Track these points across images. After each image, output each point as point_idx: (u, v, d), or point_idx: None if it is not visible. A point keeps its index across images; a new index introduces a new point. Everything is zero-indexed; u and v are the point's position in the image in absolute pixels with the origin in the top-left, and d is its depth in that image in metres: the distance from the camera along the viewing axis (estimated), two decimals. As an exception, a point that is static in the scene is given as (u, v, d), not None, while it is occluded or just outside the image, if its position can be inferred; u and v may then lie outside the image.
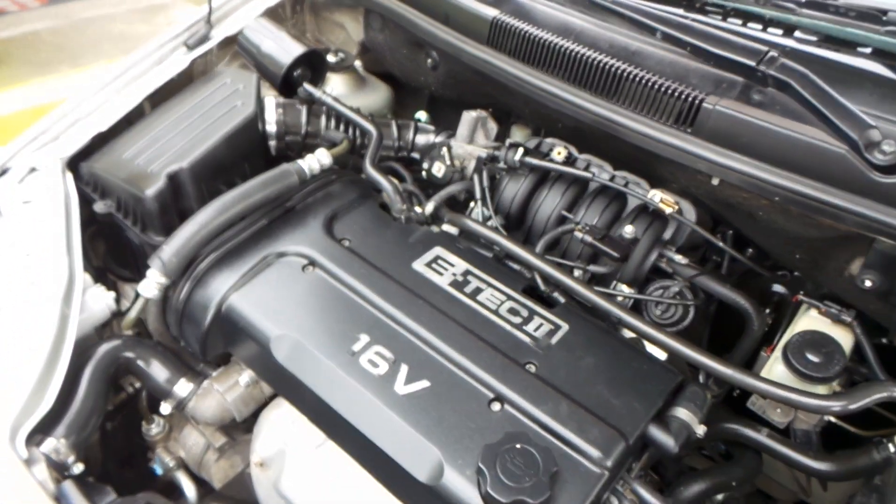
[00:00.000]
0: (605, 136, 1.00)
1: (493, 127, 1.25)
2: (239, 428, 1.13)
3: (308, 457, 0.97)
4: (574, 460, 0.78)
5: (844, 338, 0.96)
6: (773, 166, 0.85)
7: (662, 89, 0.94)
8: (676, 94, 0.93)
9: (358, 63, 1.50)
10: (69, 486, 0.83)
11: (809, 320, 0.98)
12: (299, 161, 1.08)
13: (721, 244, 1.05)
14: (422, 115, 1.40)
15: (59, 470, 0.86)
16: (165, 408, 1.01)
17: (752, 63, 0.88)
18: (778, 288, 1.06)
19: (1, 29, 4.21)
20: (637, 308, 1.03)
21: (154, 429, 1.11)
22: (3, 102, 3.48)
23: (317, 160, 1.09)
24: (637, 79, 0.97)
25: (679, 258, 1.03)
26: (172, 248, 0.95)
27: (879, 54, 0.95)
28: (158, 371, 1.01)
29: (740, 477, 1.06)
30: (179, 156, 1.09)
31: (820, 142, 0.84)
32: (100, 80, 1.25)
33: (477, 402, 0.83)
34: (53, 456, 0.86)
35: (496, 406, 0.83)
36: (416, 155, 1.27)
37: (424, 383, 0.85)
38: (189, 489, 1.10)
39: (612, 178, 1.09)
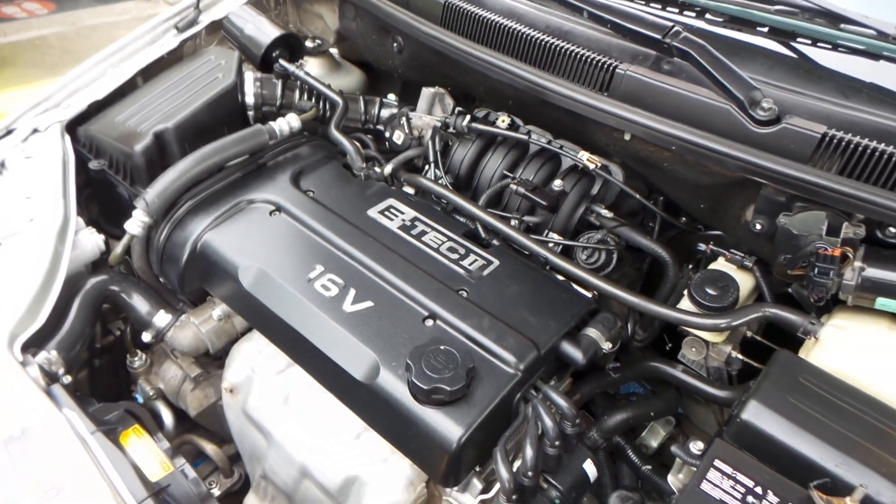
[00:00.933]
0: (544, 105, 1.14)
1: (449, 102, 1.39)
2: (213, 364, 1.26)
3: (272, 381, 1.09)
4: (491, 363, 0.90)
5: (747, 280, 1.09)
6: (672, 121, 0.99)
7: (586, 60, 1.08)
8: (596, 63, 1.07)
9: (335, 50, 1.65)
10: (58, 389, 0.95)
11: (718, 266, 1.12)
12: (271, 123, 1.22)
13: (649, 203, 1.19)
14: (391, 97, 1.54)
15: (49, 377, 0.98)
16: (146, 336, 1.14)
17: (658, 36, 1.03)
18: (702, 246, 1.20)
19: (10, 34, 4.39)
20: (568, 255, 1.16)
21: (137, 361, 1.24)
22: (12, 101, 3.65)
23: (287, 123, 1.23)
24: (566, 52, 1.11)
25: (605, 212, 1.17)
26: (155, 191, 1.09)
27: (774, 32, 1.09)
28: (140, 303, 1.14)
29: (659, 409, 1.18)
30: (166, 118, 1.23)
31: (711, 100, 0.98)
32: (98, 56, 1.40)
33: (413, 319, 0.96)
34: (45, 365, 0.99)
35: (429, 322, 0.96)
36: (381, 127, 1.41)
37: (369, 303, 0.98)
38: (167, 416, 1.22)
39: (549, 142, 1.23)
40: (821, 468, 0.75)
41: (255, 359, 1.12)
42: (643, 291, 1.23)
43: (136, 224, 1.09)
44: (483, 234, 1.15)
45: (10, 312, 0.98)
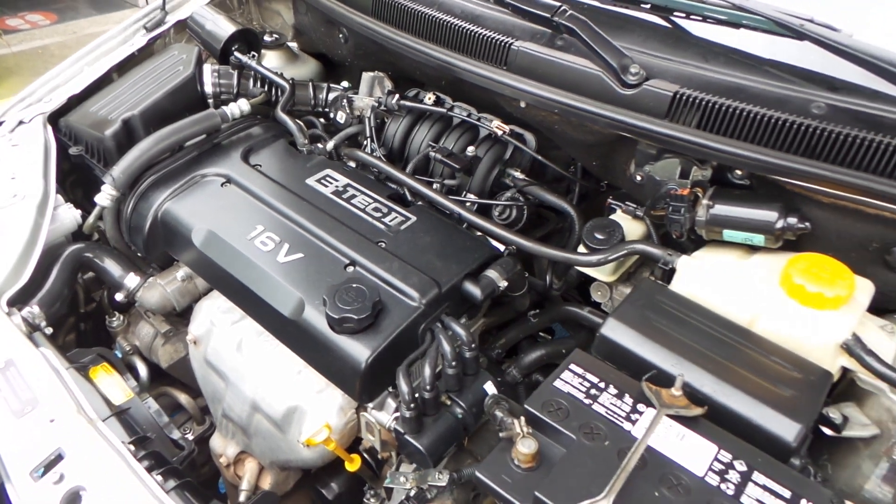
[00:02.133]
0: (462, 82, 1.29)
1: (388, 85, 1.54)
2: (181, 322, 1.43)
3: (227, 331, 1.26)
4: (397, 298, 1.06)
5: (639, 227, 1.24)
6: (556, 88, 1.14)
7: (488, 39, 1.23)
8: (495, 42, 1.22)
9: (293, 44, 1.82)
10: (38, 335, 1.13)
11: (616, 217, 1.26)
12: (223, 107, 1.39)
13: (544, 160, 1.34)
14: (345, 83, 1.70)
15: (32, 327, 1.16)
16: (119, 296, 1.31)
17: (547, 15, 1.18)
18: (613, 203, 1.34)
19: (14, 44, 4.61)
20: (485, 213, 1.31)
21: (115, 322, 1.41)
22: (15, 108, 3.83)
23: (237, 107, 1.40)
24: (473, 34, 1.26)
25: (518, 174, 1.32)
26: (120, 167, 1.26)
27: (654, 8, 1.24)
28: (113, 267, 1.31)
29: (570, 347, 1.33)
30: (132, 106, 1.40)
31: (588, 68, 1.13)
32: (76, 55, 1.58)
33: (335, 266, 1.12)
34: (28, 318, 1.16)
35: (350, 269, 1.12)
36: (328, 110, 1.58)
37: (299, 255, 1.14)
38: (142, 369, 1.39)
39: (469, 115, 1.38)
40: (660, 369, 0.90)
41: (213, 313, 1.29)
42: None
43: (104, 197, 1.26)
44: (410, 197, 1.31)
45: (-2, 274, 1.15)
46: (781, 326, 0.96)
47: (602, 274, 1.17)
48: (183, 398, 1.41)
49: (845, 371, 0.95)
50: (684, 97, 1.04)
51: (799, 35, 1.04)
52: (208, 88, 1.50)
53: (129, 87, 1.47)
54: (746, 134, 1.03)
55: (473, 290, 1.11)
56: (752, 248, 1.05)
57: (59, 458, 0.86)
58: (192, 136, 1.34)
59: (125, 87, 1.47)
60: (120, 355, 1.41)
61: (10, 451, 0.88)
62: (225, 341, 1.25)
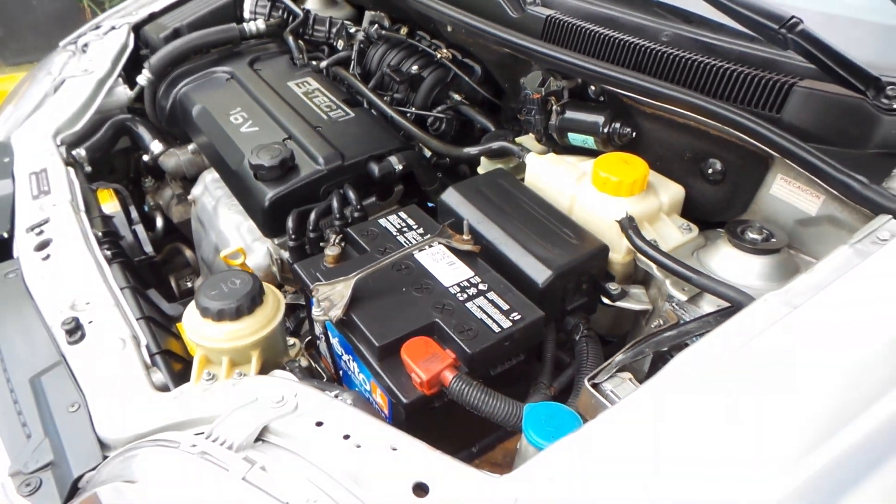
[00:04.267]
0: (426, 18, 1.55)
1: (386, 23, 1.83)
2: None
3: (212, 192, 1.62)
4: (308, 161, 1.35)
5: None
6: (467, 13, 1.36)
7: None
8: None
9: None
10: (76, 169, 1.55)
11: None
12: (244, 24, 1.76)
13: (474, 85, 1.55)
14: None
15: (77, 168, 1.58)
16: (146, 157, 1.72)
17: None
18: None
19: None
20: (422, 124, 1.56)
21: (147, 182, 1.84)
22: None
23: (255, 25, 1.76)
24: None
25: (456, 96, 1.55)
26: (156, 57, 1.67)
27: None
28: (145, 134, 1.72)
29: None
30: (183, 20, 1.82)
31: (495, -4, 1.34)
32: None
33: (276, 136, 1.43)
34: (76, 156, 1.59)
35: (287, 140, 1.42)
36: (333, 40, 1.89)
37: (256, 128, 1.47)
38: (159, 221, 1.80)
39: (429, 45, 1.63)
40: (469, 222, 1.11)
41: (207, 180, 1.65)
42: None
43: (143, 77, 1.67)
44: (366, 105, 1.59)
45: (59, 120, 1.59)
46: (586, 209, 1.12)
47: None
48: (188, 252, 1.80)
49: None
50: (555, 21, 1.23)
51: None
52: (246, 14, 1.88)
53: (190, 7, 1.89)
54: (604, 55, 1.19)
55: (373, 167, 1.37)
56: (593, 154, 1.21)
57: (45, 221, 1.25)
58: (215, 42, 1.72)
59: (188, 7, 1.89)
60: (147, 209, 1.83)
61: (20, 213, 1.29)
62: (208, 200, 1.61)
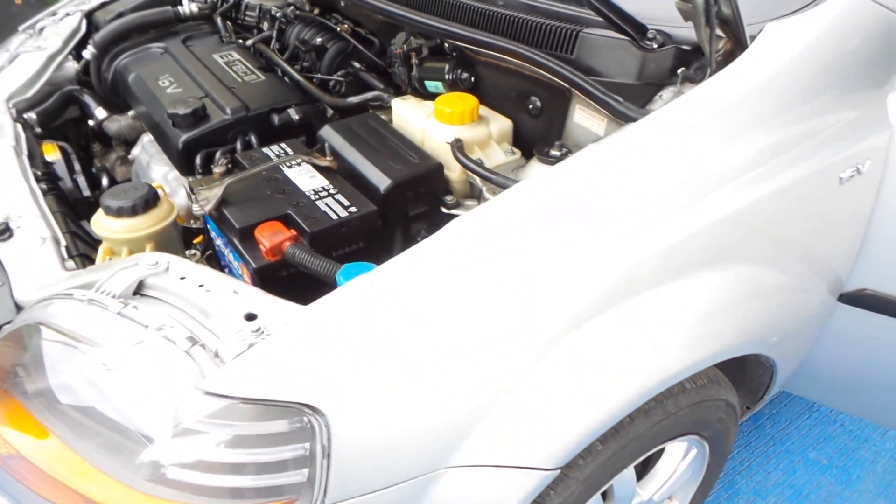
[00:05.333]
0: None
1: (307, 7, 2.09)
2: (135, 154, 2.06)
3: (146, 149, 1.86)
4: (217, 112, 1.59)
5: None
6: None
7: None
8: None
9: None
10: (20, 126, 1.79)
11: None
12: (178, 7, 2.02)
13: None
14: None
15: (26, 128, 1.82)
16: (91, 122, 1.96)
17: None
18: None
19: None
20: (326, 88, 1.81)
21: (95, 147, 2.08)
22: None
23: (188, 7, 2.02)
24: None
25: (357, 64, 1.81)
26: (100, 35, 1.92)
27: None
28: (90, 101, 1.96)
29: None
30: (130, 4, 2.08)
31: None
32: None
33: (197, 95, 1.68)
34: (27, 118, 1.83)
35: (205, 100, 1.67)
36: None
37: (180, 90, 1.72)
38: (105, 180, 2.04)
39: (336, 22, 1.89)
40: (331, 145, 1.35)
41: (145, 141, 1.90)
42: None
43: (87, 52, 1.93)
44: (280, 73, 1.84)
45: (12, 87, 1.84)
46: (431, 138, 1.37)
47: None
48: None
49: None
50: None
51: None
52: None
53: (134, -7, 2.15)
54: (454, 17, 1.45)
55: (274, 117, 1.62)
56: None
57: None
58: (151, 22, 1.98)
59: (132, -7, 2.16)
60: (95, 171, 2.07)
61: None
62: (144, 157, 1.86)
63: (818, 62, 1.14)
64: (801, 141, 1.16)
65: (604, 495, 1.37)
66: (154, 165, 1.76)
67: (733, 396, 1.46)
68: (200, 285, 1.02)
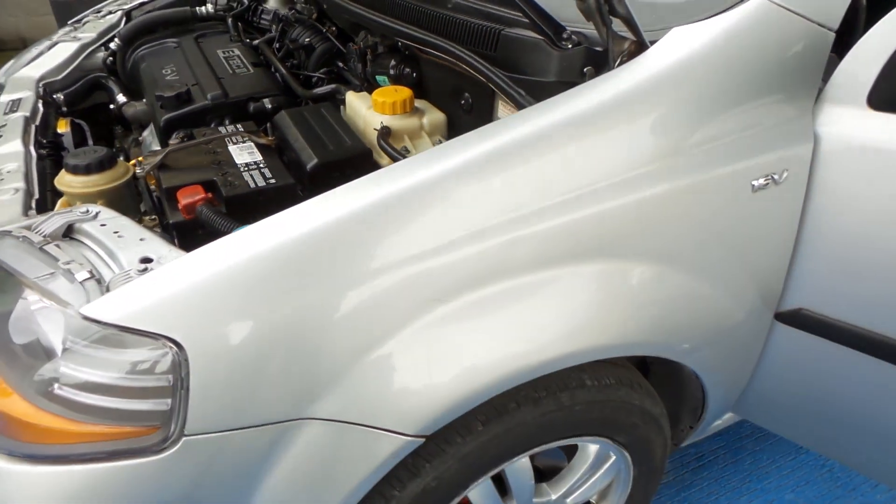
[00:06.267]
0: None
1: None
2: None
3: (152, 132, 2.06)
4: (200, 97, 1.75)
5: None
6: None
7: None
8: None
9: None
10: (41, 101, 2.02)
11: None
12: (197, 7, 2.23)
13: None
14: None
15: (51, 105, 2.05)
16: (112, 106, 2.18)
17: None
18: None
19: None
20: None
21: (118, 129, 2.30)
22: None
23: (206, 8, 2.23)
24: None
25: (340, 63, 1.94)
26: (125, 28, 2.15)
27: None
28: (113, 87, 2.18)
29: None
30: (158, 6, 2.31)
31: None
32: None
33: (190, 83, 1.85)
34: (56, 99, 2.07)
35: (194, 88, 1.84)
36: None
37: (177, 77, 1.90)
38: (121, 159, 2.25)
39: (325, 26, 2.03)
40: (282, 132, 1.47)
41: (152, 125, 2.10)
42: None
43: (113, 44, 2.16)
44: (273, 70, 2.00)
45: (45, 69, 2.08)
46: (367, 125, 1.47)
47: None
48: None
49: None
50: (377, -7, 1.61)
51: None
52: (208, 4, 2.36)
53: (165, -3, 2.39)
54: (408, 18, 1.55)
55: (250, 105, 1.76)
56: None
57: (2, 125, 1.70)
58: (169, 19, 2.21)
59: (165, -1, 2.40)
60: (114, 150, 2.29)
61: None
62: (149, 139, 2.05)
63: (720, 66, 1.16)
64: (701, 143, 1.17)
65: (503, 493, 1.38)
66: (154, 146, 1.95)
67: (655, 406, 1.45)
68: (115, 232, 1.15)
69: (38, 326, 1.05)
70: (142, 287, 1.00)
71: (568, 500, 1.50)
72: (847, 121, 1.24)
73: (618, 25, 1.18)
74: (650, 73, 1.13)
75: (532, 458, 1.36)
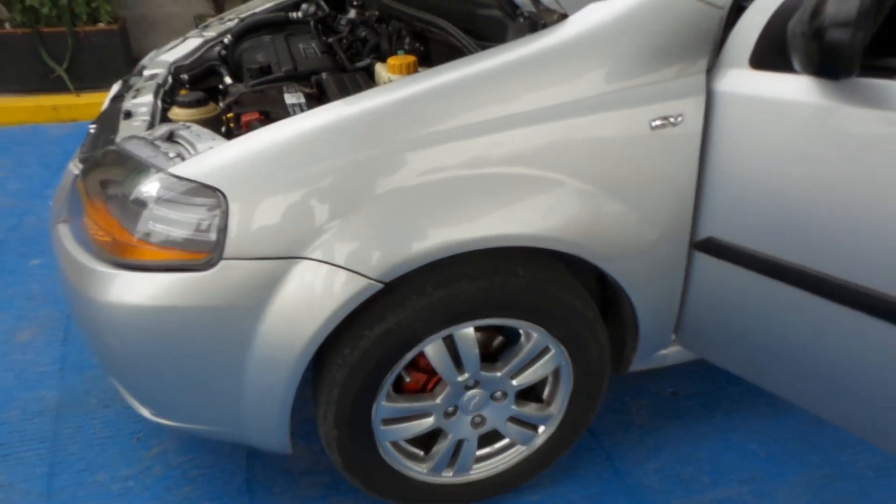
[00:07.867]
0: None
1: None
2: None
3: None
4: (279, 72, 2.35)
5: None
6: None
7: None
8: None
9: None
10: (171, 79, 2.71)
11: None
12: (291, 13, 2.87)
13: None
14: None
15: (179, 81, 2.74)
16: (220, 87, 2.85)
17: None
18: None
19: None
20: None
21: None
22: None
23: (295, 14, 2.87)
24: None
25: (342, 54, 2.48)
26: (235, 29, 2.83)
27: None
28: (224, 72, 2.86)
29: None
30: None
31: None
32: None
33: (273, 61, 2.46)
34: (182, 78, 2.76)
35: (275, 66, 2.44)
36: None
37: (263, 60, 2.52)
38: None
39: (380, 25, 2.58)
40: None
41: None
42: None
43: (226, 39, 2.84)
44: (335, 56, 2.58)
45: (177, 56, 2.79)
46: (384, 83, 1.97)
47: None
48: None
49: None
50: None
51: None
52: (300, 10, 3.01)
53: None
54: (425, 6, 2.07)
55: (311, 77, 2.33)
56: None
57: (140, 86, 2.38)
58: (269, 23, 2.85)
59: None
60: (220, 121, 2.97)
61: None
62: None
63: (625, 33, 1.56)
64: (607, 90, 1.58)
65: (458, 365, 1.79)
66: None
67: (587, 309, 1.81)
68: (198, 135, 1.72)
69: (144, 186, 1.64)
70: (205, 159, 1.56)
71: (514, 381, 1.88)
72: (734, 79, 1.59)
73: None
74: (568, 34, 1.56)
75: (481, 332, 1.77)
